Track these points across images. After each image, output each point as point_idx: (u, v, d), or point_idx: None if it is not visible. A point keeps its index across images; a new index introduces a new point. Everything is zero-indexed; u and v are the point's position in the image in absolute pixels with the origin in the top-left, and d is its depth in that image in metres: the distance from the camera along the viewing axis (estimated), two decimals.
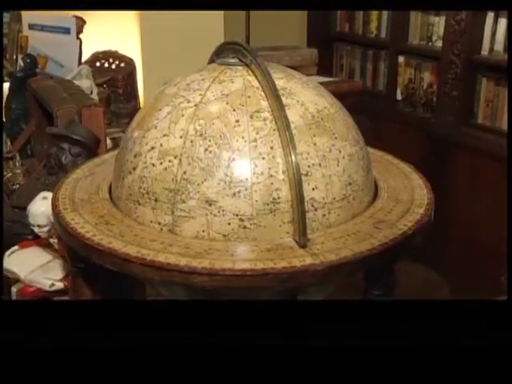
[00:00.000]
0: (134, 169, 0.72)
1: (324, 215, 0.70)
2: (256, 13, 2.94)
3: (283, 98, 0.72)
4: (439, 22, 2.71)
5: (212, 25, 1.97)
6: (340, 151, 0.72)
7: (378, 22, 3.00)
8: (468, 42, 2.42)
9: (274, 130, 0.69)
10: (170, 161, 0.69)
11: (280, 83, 0.74)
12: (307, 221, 0.68)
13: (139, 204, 0.71)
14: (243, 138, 0.68)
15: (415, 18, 2.82)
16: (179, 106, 0.72)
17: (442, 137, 2.53)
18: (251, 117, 0.70)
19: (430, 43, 2.79)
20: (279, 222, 0.68)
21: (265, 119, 0.70)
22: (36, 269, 0.92)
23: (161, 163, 0.70)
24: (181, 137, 0.70)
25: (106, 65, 1.86)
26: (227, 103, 0.71)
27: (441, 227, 2.43)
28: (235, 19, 2.72)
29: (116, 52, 1.88)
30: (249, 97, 0.71)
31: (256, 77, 0.73)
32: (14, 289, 0.92)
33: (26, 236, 0.97)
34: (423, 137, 2.67)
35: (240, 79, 0.73)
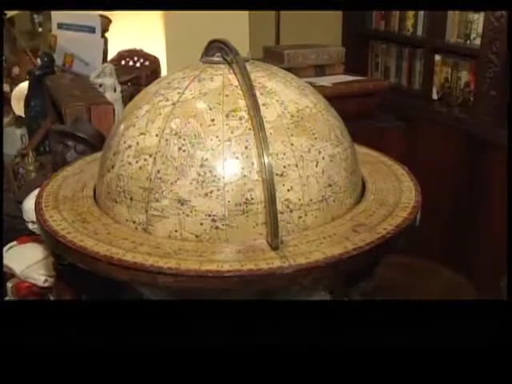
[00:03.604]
0: (113, 167, 0.72)
1: (300, 217, 0.68)
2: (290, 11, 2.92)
3: (262, 97, 0.70)
4: (478, 19, 2.64)
5: (237, 23, 1.96)
6: (320, 152, 0.70)
7: (415, 20, 2.94)
8: (508, 40, 2.34)
9: (250, 129, 0.68)
10: (145, 159, 0.69)
11: (261, 81, 0.73)
12: (282, 222, 0.67)
13: (116, 202, 0.71)
14: (217, 137, 0.67)
15: (453, 15, 2.75)
16: (158, 104, 0.72)
17: (479, 137, 2.47)
18: (227, 116, 0.69)
19: (468, 41, 2.71)
20: (252, 223, 0.67)
21: (241, 118, 0.68)
22: (32, 265, 0.93)
23: (136, 162, 0.70)
24: (157, 135, 0.69)
25: (131, 63, 1.88)
26: (204, 102, 0.70)
27: (478, 229, 2.37)
28: (264, 16, 2.71)
29: (141, 50, 1.90)
30: (226, 95, 0.70)
31: (236, 75, 0.72)
32: (9, 284, 0.94)
33: (26, 232, 0.99)
34: (459, 137, 2.61)
35: (220, 78, 0.72)
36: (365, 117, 2.09)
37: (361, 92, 1.95)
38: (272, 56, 2.14)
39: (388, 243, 0.67)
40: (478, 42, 2.57)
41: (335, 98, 1.98)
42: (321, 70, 2.07)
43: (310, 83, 1.95)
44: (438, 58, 2.83)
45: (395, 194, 0.77)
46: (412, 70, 3.00)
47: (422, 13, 2.90)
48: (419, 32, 2.93)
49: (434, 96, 2.86)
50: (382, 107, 2.30)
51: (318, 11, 3.02)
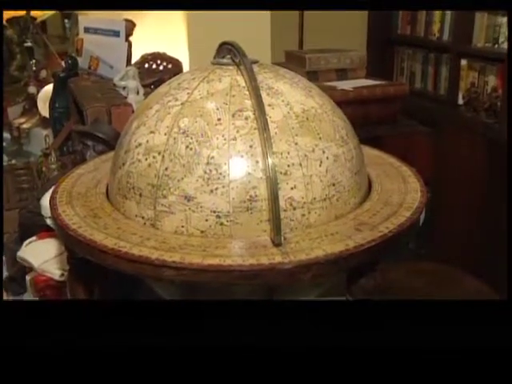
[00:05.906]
0: (124, 164, 0.75)
1: (303, 215, 0.70)
2: (315, 15, 2.93)
3: (269, 98, 0.72)
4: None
5: (259, 27, 1.98)
6: (324, 151, 0.72)
7: (441, 24, 2.93)
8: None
9: (255, 128, 0.70)
10: (154, 157, 0.71)
11: (268, 83, 0.75)
12: (285, 220, 0.68)
13: (126, 198, 0.74)
14: (223, 136, 0.69)
15: (480, 19, 2.73)
16: (167, 104, 0.74)
17: (506, 143, 2.44)
18: (233, 115, 0.70)
19: (496, 45, 2.69)
20: (256, 220, 0.68)
21: (246, 118, 0.70)
22: (49, 259, 0.96)
23: (146, 159, 0.72)
24: (165, 134, 0.71)
25: (154, 66, 1.92)
26: (211, 102, 0.72)
27: (502, 240, 2.34)
28: (287, 22, 2.73)
29: (164, 54, 1.94)
30: (233, 96, 0.72)
31: (243, 76, 0.74)
32: (28, 277, 0.97)
33: (45, 227, 1.02)
34: (485, 142, 2.58)
35: (228, 78, 0.74)
36: (388, 121, 2.08)
37: (382, 96, 1.95)
38: (294, 60, 2.16)
39: (389, 242, 0.68)
40: (506, 45, 2.55)
41: (357, 102, 1.99)
42: (343, 74, 2.08)
43: (332, 87, 1.96)
44: (464, 62, 2.82)
45: (400, 194, 0.78)
46: (438, 75, 2.99)
47: (448, 18, 2.88)
48: (445, 37, 2.92)
49: (460, 101, 2.84)
50: (406, 112, 2.29)
51: (344, 16, 3.03)
